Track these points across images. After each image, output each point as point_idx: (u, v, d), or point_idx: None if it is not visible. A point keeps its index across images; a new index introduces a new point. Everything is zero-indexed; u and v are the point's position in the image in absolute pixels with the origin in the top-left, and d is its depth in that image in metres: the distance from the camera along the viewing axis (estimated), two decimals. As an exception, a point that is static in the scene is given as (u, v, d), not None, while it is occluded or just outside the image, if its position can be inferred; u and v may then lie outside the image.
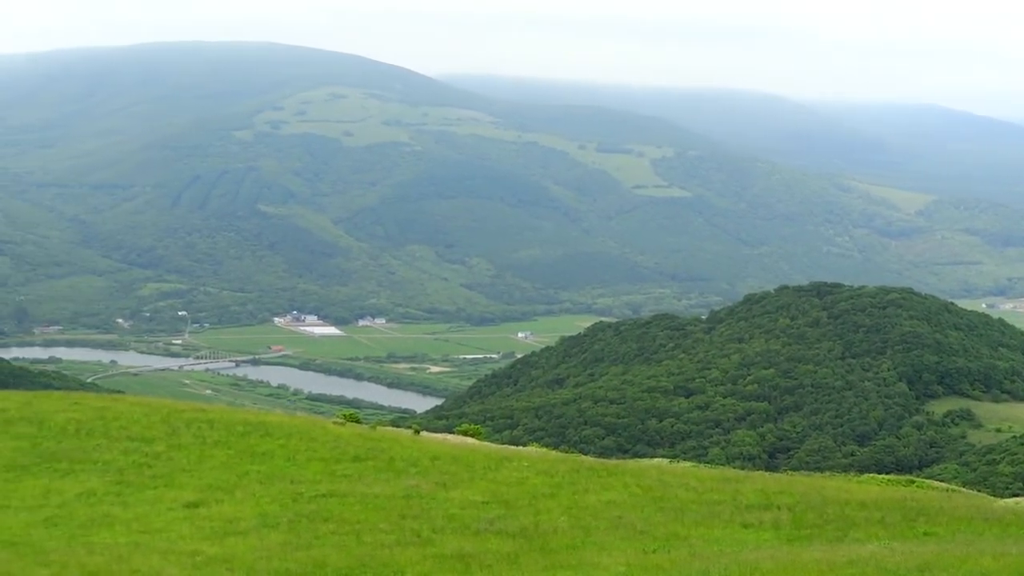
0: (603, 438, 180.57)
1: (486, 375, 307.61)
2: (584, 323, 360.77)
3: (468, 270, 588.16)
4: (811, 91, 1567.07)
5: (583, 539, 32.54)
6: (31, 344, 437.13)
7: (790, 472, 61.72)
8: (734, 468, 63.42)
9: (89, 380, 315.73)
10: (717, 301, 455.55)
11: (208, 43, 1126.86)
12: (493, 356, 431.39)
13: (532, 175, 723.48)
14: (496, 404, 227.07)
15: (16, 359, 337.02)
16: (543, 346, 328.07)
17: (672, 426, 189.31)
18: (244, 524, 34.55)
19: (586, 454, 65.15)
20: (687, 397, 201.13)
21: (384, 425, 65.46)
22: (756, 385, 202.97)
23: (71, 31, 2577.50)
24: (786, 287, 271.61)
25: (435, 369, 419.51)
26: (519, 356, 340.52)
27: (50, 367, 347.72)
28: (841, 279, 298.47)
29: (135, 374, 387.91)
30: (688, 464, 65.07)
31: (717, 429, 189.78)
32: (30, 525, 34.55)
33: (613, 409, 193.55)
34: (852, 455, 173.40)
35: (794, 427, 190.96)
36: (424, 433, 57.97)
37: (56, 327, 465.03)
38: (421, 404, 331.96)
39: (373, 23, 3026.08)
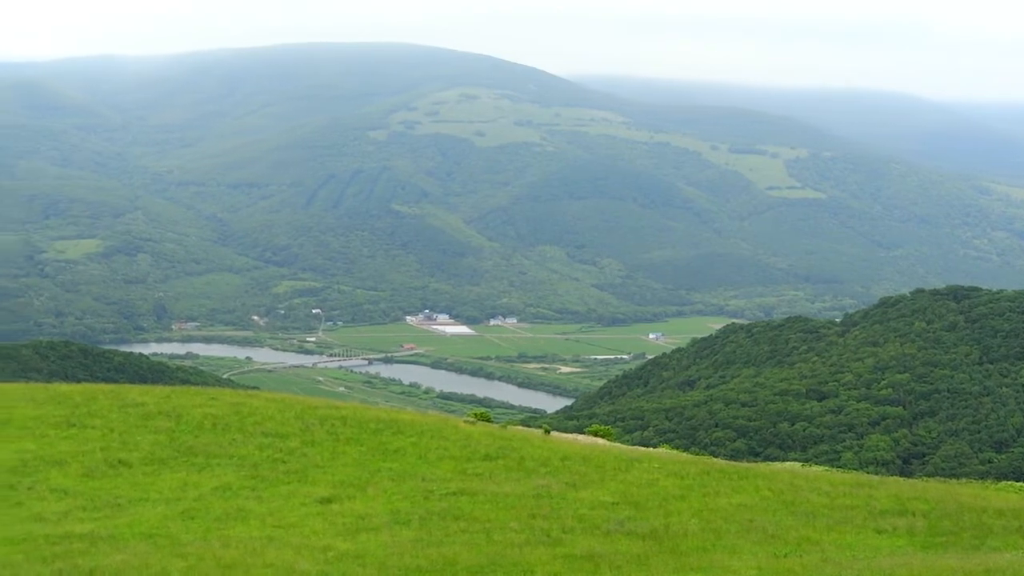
0: (734, 441, 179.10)
1: (616, 376, 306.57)
2: (716, 324, 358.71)
3: (599, 271, 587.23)
4: (949, 91, 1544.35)
5: (713, 542, 32.37)
6: (169, 340, 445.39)
7: (925, 478, 60.85)
8: (867, 473, 62.67)
9: (225, 376, 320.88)
10: (851, 304, 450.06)
11: (344, 44, 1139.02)
12: (624, 357, 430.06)
13: (664, 176, 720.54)
14: (626, 405, 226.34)
15: (155, 354, 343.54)
16: (674, 347, 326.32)
17: (804, 430, 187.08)
18: (376, 521, 34.86)
19: (717, 456, 64.81)
20: (820, 400, 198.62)
21: (514, 424, 65.68)
22: (890, 389, 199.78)
23: (210, 33, 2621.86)
24: (922, 290, 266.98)
25: (565, 369, 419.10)
26: (650, 357, 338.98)
27: (188, 363, 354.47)
28: (979, 282, 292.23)
29: (270, 371, 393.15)
30: (820, 468, 64.47)
31: (850, 433, 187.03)
32: (167, 518, 35.22)
33: (744, 412, 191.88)
34: (989, 462, 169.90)
35: (929, 433, 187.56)
36: (554, 433, 58.09)
37: (193, 323, 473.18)
38: (551, 404, 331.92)
39: (507, 24, 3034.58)
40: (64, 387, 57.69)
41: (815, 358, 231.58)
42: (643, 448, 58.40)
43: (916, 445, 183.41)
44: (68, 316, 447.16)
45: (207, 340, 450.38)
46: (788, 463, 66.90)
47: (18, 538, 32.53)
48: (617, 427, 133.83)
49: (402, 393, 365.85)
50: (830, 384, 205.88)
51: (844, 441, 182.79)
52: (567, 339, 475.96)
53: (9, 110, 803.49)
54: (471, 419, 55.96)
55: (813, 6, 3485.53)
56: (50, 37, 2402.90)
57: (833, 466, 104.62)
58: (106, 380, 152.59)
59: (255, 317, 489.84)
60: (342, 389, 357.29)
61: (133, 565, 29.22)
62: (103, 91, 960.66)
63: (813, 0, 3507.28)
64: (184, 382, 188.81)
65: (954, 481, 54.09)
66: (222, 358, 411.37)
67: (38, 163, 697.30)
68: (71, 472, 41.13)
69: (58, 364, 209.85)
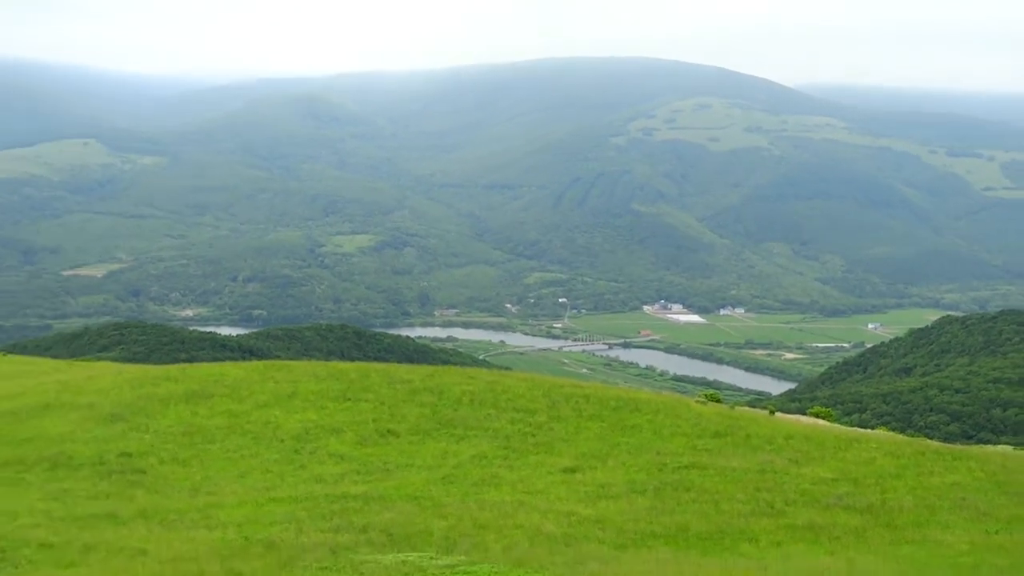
0: (948, 424, 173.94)
1: (837, 362, 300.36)
2: (932, 317, 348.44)
3: (822, 266, 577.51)
4: None
5: (927, 518, 31.69)
6: (432, 325, 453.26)
7: None
8: (1078, 457, 60.20)
9: (481, 357, 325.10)
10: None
11: (590, 58, 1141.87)
12: (844, 345, 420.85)
13: (884, 177, 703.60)
14: (846, 389, 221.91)
15: (420, 337, 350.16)
16: (892, 337, 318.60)
17: (1016, 415, 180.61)
18: (615, 489, 35.08)
19: (931, 438, 63.16)
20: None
21: (742, 405, 65.20)
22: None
23: (471, 49, 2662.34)
24: None
25: (789, 356, 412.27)
26: (869, 346, 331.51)
27: (448, 345, 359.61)
28: None
29: (521, 353, 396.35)
30: (1032, 452, 62.21)
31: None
32: (430, 482, 36.07)
33: (958, 398, 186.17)
34: None
35: None
36: (778, 414, 57.47)
37: (453, 310, 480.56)
38: (776, 388, 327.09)
39: (737, 39, 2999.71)
40: (341, 365, 59.42)
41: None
42: (861, 429, 57.32)
43: None
44: (344, 303, 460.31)
45: (465, 325, 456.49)
46: (1000, 446, 64.79)
47: (301, 497, 33.79)
48: (837, 409, 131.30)
49: (639, 375, 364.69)
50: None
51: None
52: (791, 328, 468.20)
53: (294, 120, 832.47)
54: (702, 399, 55.77)
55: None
56: (326, 54, 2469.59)
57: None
58: (377, 359, 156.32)
59: (508, 305, 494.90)
60: (585, 370, 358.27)
61: (400, 523, 30.05)
62: (374, 103, 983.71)
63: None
64: (445, 362, 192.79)
65: None
66: (478, 341, 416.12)
67: (319, 167, 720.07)
68: (347, 440, 42.45)
69: (336, 344, 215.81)
